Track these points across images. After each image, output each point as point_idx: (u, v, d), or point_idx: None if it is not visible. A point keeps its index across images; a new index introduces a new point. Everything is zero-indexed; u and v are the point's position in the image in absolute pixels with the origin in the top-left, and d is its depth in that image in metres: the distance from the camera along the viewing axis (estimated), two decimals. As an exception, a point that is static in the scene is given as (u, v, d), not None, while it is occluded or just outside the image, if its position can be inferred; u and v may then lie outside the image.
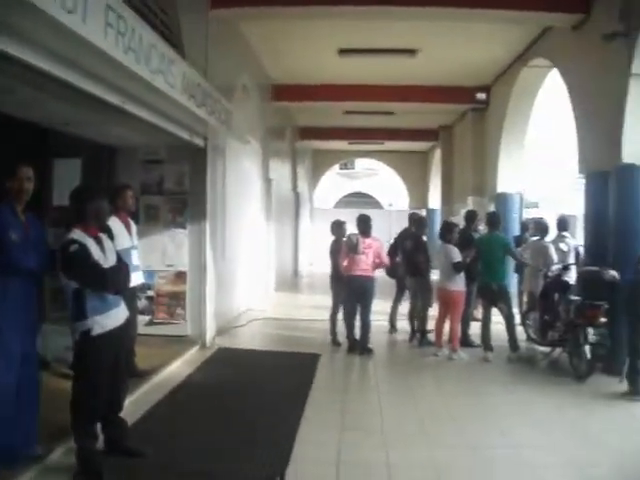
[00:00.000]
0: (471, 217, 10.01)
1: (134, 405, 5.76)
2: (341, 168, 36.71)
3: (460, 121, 17.75)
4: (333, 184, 36.13)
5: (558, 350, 8.33)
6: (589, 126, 8.78)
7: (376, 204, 37.17)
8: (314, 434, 5.42)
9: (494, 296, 8.67)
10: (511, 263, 9.81)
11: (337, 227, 9.44)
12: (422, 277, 9.30)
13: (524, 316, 9.79)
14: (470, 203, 14.74)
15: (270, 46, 11.85)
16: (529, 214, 19.51)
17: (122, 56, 4.94)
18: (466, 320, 9.22)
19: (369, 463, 4.84)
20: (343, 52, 11.90)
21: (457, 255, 8.50)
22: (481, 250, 8.72)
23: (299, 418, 5.78)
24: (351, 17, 9.67)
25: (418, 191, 26.29)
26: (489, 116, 14.70)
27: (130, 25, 5.01)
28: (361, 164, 38.21)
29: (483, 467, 4.83)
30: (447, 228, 8.85)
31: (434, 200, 23.41)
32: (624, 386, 6.94)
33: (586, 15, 8.61)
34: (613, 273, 7.30)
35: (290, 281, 18.54)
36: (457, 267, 8.45)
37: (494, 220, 8.93)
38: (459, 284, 8.58)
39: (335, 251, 9.10)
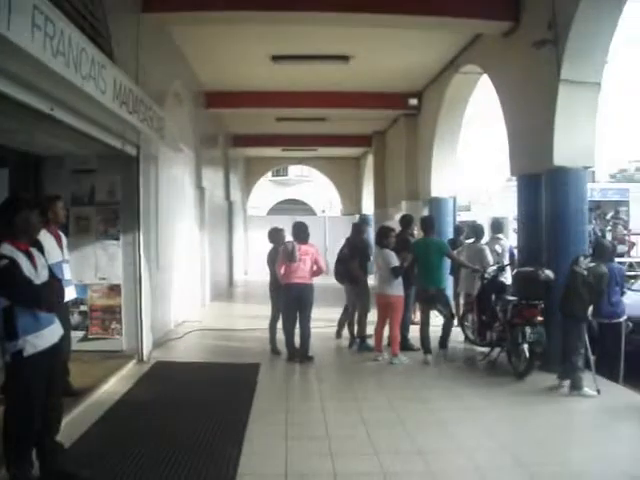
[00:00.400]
0: (407, 221, 10.05)
1: (70, 426, 5.48)
2: (274, 175, 36.67)
3: (392, 127, 17.96)
4: (266, 191, 36.04)
5: (497, 350, 8.45)
6: (520, 130, 8.98)
7: (310, 211, 37.28)
8: (259, 445, 5.31)
9: (432, 300, 8.74)
10: (448, 266, 9.92)
11: (275, 234, 9.33)
12: (357, 284, 9.26)
13: (462, 318, 9.93)
14: (404, 207, 14.88)
15: (202, 52, 11.69)
16: (462, 217, 19.93)
17: (51, 60, 4.72)
18: (405, 324, 9.25)
19: (317, 473, 4.76)
20: (276, 58, 11.86)
21: (394, 260, 8.51)
22: (418, 254, 8.77)
23: (243, 430, 5.66)
24: (282, 23, 9.64)
25: (351, 197, 26.47)
26: (421, 121, 14.90)
27: (59, 27, 4.80)
28: (294, 171, 38.29)
29: (432, 473, 4.80)
30: (383, 233, 8.84)
31: (367, 205, 23.56)
32: (563, 382, 7.14)
33: (516, 23, 8.84)
34: (548, 273, 7.46)
35: (226, 291, 18.30)
36: (395, 272, 8.46)
37: (429, 224, 9.00)
38: (397, 289, 8.58)
39: (273, 259, 8.98)
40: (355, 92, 14.49)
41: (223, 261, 18.46)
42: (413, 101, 14.69)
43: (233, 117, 17.49)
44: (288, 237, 9.04)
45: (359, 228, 9.90)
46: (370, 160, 21.72)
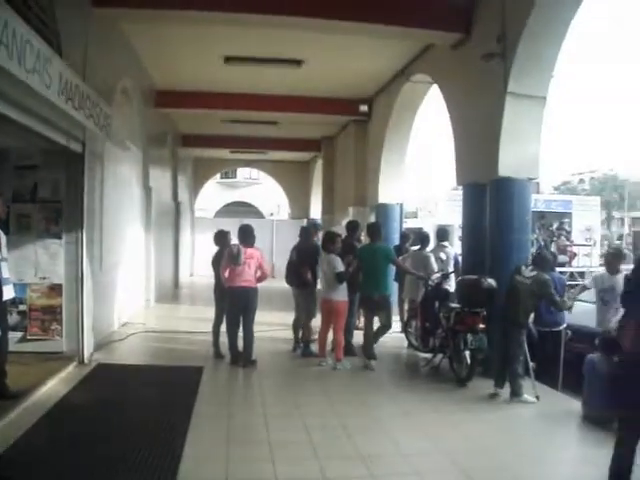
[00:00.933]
0: (353, 227, 10.05)
1: (5, 431, 5.33)
2: (222, 177, 36.44)
3: (342, 132, 18.06)
4: (214, 193, 35.81)
5: (439, 356, 8.55)
6: (466, 140, 9.16)
7: (257, 214, 37.15)
8: (200, 450, 5.25)
9: (375, 306, 8.78)
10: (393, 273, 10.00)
11: (220, 237, 9.24)
12: (306, 289, 9.26)
13: (406, 324, 10.04)
14: (351, 213, 14.98)
15: (154, 50, 11.55)
16: (408, 224, 20.17)
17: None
18: (349, 330, 9.28)
19: (258, 479, 4.73)
20: (229, 60, 11.80)
21: (339, 265, 8.52)
22: (363, 260, 8.79)
23: (184, 434, 5.58)
24: (235, 24, 9.57)
25: (300, 201, 26.50)
26: (371, 128, 15.04)
27: (2, 17, 4.65)
28: (243, 173, 38.13)
29: (374, 477, 4.82)
30: (329, 238, 8.84)
31: (316, 210, 23.64)
32: (499, 389, 7.29)
33: (466, 35, 9.01)
34: (491, 281, 7.60)
35: (171, 292, 18.07)
36: (340, 277, 8.47)
37: (375, 230, 9.04)
38: (342, 294, 8.59)
39: (218, 262, 8.89)
40: (307, 97, 14.57)
41: (169, 262, 18.24)
42: (363, 107, 14.83)
43: (183, 116, 17.32)
44: (234, 240, 8.96)
45: (308, 232, 9.90)
46: (319, 165, 21.82)
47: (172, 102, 14.66)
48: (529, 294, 7.07)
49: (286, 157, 24.90)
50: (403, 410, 6.74)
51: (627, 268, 6.72)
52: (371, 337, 8.82)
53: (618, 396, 4.48)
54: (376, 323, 8.96)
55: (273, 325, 10.89)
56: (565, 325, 8.19)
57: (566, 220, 24.56)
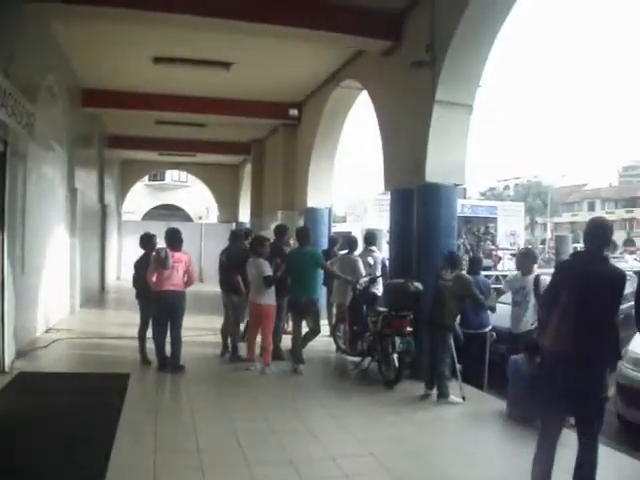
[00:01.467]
0: (282, 231, 10.02)
1: None
2: (150, 179, 35.79)
3: (272, 136, 18.03)
4: (142, 196, 35.13)
5: (368, 359, 8.63)
6: (394, 147, 9.33)
7: (186, 217, 36.62)
8: (127, 458, 5.12)
9: (304, 310, 8.82)
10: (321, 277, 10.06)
11: (146, 240, 9.04)
12: (236, 293, 9.19)
13: (334, 328, 10.11)
14: (280, 217, 14.98)
15: (82, 48, 11.27)
16: (337, 228, 20.32)
17: None
18: (277, 334, 9.26)
19: (187, 486, 4.66)
20: (158, 60, 11.63)
21: (267, 269, 8.50)
22: (291, 264, 8.79)
23: (110, 443, 5.42)
24: (164, 24, 9.46)
25: (229, 204, 26.33)
26: (301, 132, 15.09)
27: None
28: (171, 176, 37.54)
29: (303, 481, 4.84)
30: (259, 242, 8.82)
31: (245, 214, 23.51)
32: (430, 391, 7.44)
33: (397, 43, 9.17)
34: (417, 285, 7.75)
35: (97, 297, 17.64)
36: (267, 281, 8.45)
37: (304, 234, 9.05)
38: (270, 298, 8.57)
39: (142, 265, 8.70)
40: (237, 99, 14.51)
41: (95, 266, 17.79)
42: (293, 112, 14.86)
43: (110, 117, 16.96)
44: (161, 243, 8.79)
45: (238, 236, 9.84)
46: (249, 168, 21.68)
47: (99, 102, 14.30)
48: (451, 295, 7.26)
49: (215, 160, 24.64)
50: (332, 414, 6.77)
51: (547, 272, 7.01)
52: (299, 341, 8.84)
53: (539, 396, 4.68)
54: (305, 327, 9.00)
55: (201, 330, 10.77)
56: (490, 327, 8.41)
57: (491, 225, 25.23)
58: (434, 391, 7.37)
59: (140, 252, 9.06)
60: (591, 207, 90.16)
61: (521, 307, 7.65)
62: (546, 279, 7.62)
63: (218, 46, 10.99)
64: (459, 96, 8.21)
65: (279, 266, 8.72)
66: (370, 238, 10.41)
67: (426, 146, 8.13)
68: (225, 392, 7.58)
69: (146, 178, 31.96)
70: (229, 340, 9.40)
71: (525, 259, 8.07)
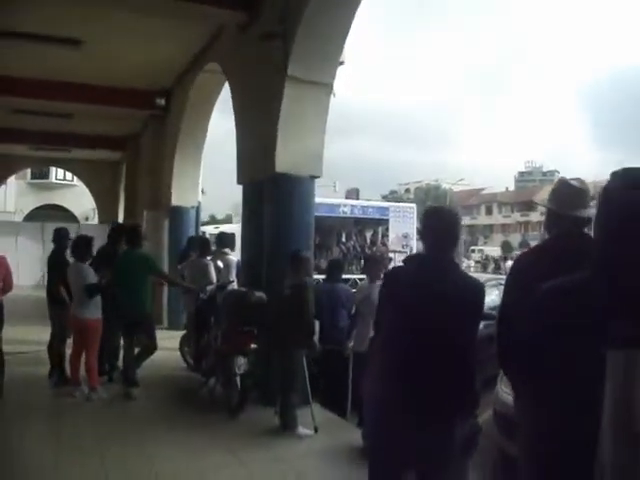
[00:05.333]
0: (118, 232, 8.55)
1: None
2: (33, 177, 33.39)
3: (146, 129, 16.44)
4: (23, 195, 32.80)
5: (213, 380, 7.36)
6: (248, 133, 8.12)
7: (72, 218, 34.24)
8: None
9: (135, 325, 7.45)
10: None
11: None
12: (60, 304, 7.68)
13: (182, 341, 8.78)
14: (146, 217, 13.62)
15: None
16: (222, 229, 19.00)
17: None
18: (108, 352, 7.88)
19: None
20: (-1, 35, 9.86)
21: (91, 276, 7.13)
22: (118, 271, 7.43)
23: None
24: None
25: (109, 204, 24.46)
26: (168, 124, 13.68)
27: None
28: (55, 173, 35.04)
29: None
30: (81, 244, 7.41)
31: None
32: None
33: (253, 16, 7.92)
34: (260, 294, 6.52)
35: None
36: (89, 290, 7.04)
37: (134, 235, 7.70)
38: (93, 311, 7.16)
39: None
40: (99, 86, 12.82)
41: None
42: (160, 101, 13.38)
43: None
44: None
45: (61, 236, 8.28)
46: (129, 165, 20.01)
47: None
48: (289, 307, 6.05)
49: (93, 156, 22.55)
50: (175, 444, 5.69)
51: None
52: (131, 361, 7.44)
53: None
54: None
55: (29, 344, 9.17)
56: (353, 343, 7.22)
57: (383, 227, 24.37)
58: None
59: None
60: (489, 211, 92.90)
61: (365, 321, 6.48)
62: None
63: (65, 22, 9.46)
64: (315, 73, 7.06)
65: (105, 273, 7.29)
66: (223, 239, 9.13)
67: (276, 130, 6.94)
68: (43, 423, 6.37)
69: (28, 175, 29.50)
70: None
71: (372, 264, 6.97)
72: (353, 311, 7.33)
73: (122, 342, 7.94)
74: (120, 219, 22.46)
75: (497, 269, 32.11)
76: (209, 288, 7.98)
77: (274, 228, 7.09)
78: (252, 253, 7.66)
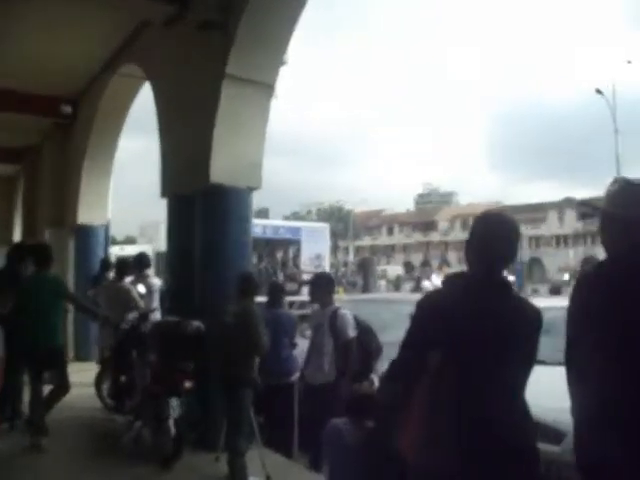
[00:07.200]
0: (19, 253, 7.29)
1: None
2: None
3: (48, 139, 15.05)
4: None
5: (138, 423, 6.28)
6: (174, 139, 7.25)
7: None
8: None
9: (44, 361, 6.31)
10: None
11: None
12: None
13: (98, 378, 7.68)
14: (47, 236, 12.29)
15: None
16: (126, 251, 17.78)
17: None
18: (10, 395, 6.68)
19: None
20: None
21: None
22: (23, 297, 6.30)
23: None
24: None
25: (2, 222, 22.56)
26: (74, 134, 12.48)
27: None
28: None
29: None
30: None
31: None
32: (223, 466, 5.32)
33: (182, 8, 7.01)
34: (197, 324, 5.59)
35: None
36: None
37: (42, 255, 6.60)
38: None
39: None
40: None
41: None
42: (66, 108, 12.13)
43: None
44: None
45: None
46: (24, 180, 18.43)
47: None
48: (235, 337, 5.21)
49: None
50: None
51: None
52: (40, 406, 6.26)
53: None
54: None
55: None
56: (298, 375, 6.40)
57: (295, 247, 23.64)
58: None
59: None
60: (390, 231, 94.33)
61: (318, 350, 5.77)
62: (346, 315, 5.76)
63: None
64: (257, 72, 6.31)
65: (5, 301, 6.11)
66: (143, 260, 8.13)
67: (211, 135, 6.10)
68: None
69: None
70: None
71: (318, 288, 6.08)
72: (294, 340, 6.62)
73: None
74: (16, 238, 20.80)
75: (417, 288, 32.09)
76: (130, 317, 6.96)
77: (206, 248, 6.25)
78: (180, 276, 6.74)
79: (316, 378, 5.74)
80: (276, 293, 6.92)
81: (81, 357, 10.55)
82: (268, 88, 6.44)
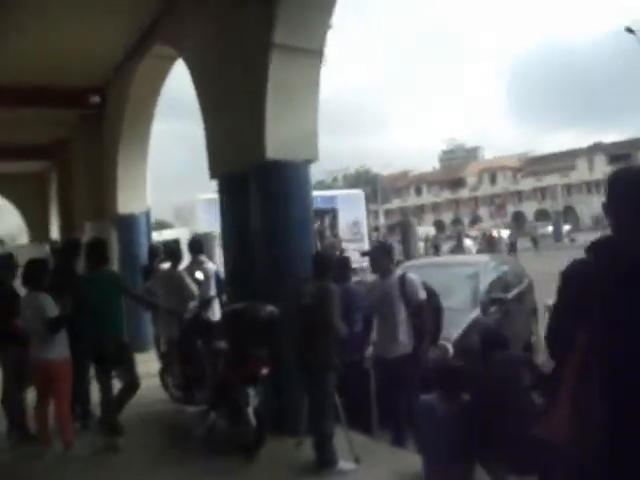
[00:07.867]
0: (71, 249, 7.17)
1: None
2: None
3: (78, 133, 14.86)
4: None
5: (212, 414, 6.03)
6: (221, 119, 6.91)
7: (-5, 240, 31.97)
8: None
9: (110, 358, 6.13)
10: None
11: None
12: (13, 346, 6.23)
13: (163, 371, 7.51)
14: (88, 230, 12.21)
15: None
16: (165, 236, 17.59)
17: None
18: (79, 395, 6.48)
19: None
20: None
21: (51, 307, 5.71)
22: (83, 296, 6.08)
23: None
24: None
25: (39, 220, 22.59)
26: (105, 124, 12.27)
27: None
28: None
29: None
30: (35, 268, 6.03)
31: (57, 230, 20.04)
32: (306, 451, 5.18)
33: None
34: (270, 308, 5.33)
35: None
36: (52, 325, 5.64)
37: (97, 251, 6.38)
38: (59, 350, 5.75)
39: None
40: (18, 87, 11.11)
41: None
42: (95, 98, 11.97)
43: None
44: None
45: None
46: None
47: None
48: (313, 318, 5.00)
49: (15, 169, 20.44)
50: None
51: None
52: (112, 405, 6.12)
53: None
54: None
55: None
56: (371, 350, 6.12)
57: (329, 216, 23.24)
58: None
59: None
60: (418, 192, 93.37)
61: (388, 322, 5.56)
62: (414, 278, 5.58)
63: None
64: (305, 39, 5.96)
65: (66, 302, 5.90)
66: (196, 245, 7.89)
67: (264, 109, 5.78)
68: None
69: None
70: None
71: (380, 257, 5.89)
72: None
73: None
74: (54, 235, 20.79)
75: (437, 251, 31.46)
76: (190, 307, 6.76)
77: (268, 228, 5.98)
78: (238, 258, 6.50)
79: (390, 351, 5.55)
80: (344, 267, 6.64)
81: (136, 347, 10.43)
82: (318, 54, 6.10)
